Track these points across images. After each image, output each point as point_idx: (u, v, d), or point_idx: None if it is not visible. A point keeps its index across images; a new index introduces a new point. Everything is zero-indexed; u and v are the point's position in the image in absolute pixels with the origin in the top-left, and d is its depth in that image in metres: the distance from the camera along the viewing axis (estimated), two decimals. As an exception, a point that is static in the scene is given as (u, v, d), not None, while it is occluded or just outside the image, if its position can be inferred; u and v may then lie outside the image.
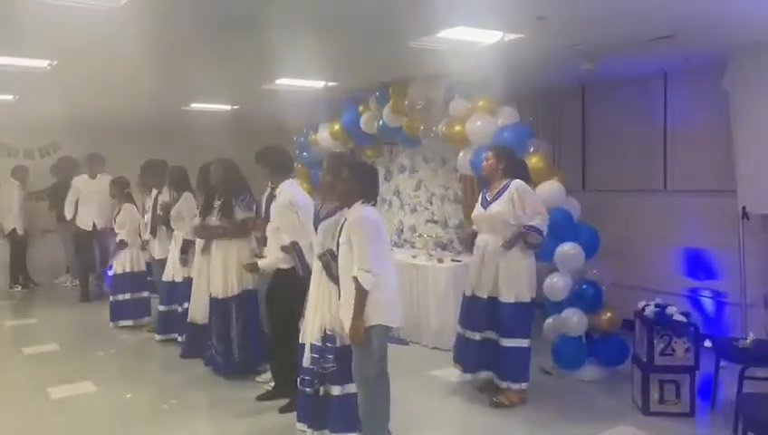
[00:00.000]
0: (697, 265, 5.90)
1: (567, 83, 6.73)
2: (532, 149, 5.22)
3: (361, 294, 3.36)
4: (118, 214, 7.00)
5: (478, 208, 4.61)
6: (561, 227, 4.96)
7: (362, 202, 3.49)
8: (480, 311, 4.53)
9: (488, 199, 4.52)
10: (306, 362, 3.76)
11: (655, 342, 4.12)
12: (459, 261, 5.85)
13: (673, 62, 5.73)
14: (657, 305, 4.25)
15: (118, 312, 6.95)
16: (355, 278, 3.36)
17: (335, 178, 3.76)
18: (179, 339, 6.12)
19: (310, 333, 3.79)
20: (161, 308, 6.24)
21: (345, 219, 3.53)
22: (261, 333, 5.04)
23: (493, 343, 4.52)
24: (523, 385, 4.49)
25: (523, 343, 4.44)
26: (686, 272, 5.97)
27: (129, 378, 5.35)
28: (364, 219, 3.42)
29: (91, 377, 5.25)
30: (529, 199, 4.39)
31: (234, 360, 5.14)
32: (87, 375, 5.30)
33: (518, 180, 4.44)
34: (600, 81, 6.56)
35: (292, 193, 4.38)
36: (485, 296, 4.49)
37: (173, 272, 6.15)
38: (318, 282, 3.80)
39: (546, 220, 4.40)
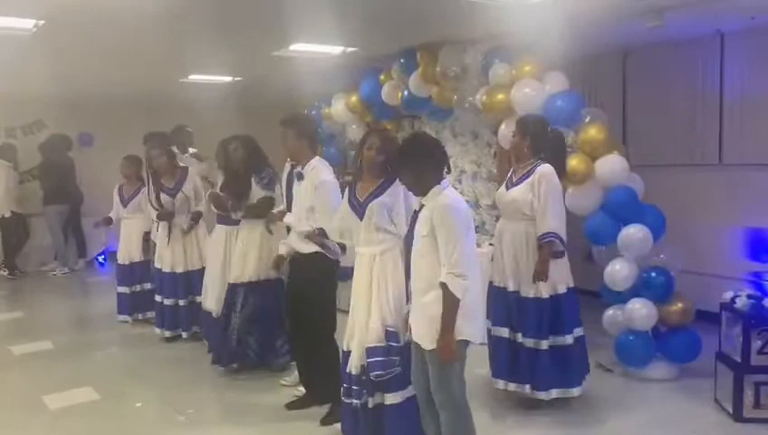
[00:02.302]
0: (760, 246, 5.37)
1: (608, 48, 6.12)
2: (588, 119, 4.62)
3: (453, 304, 2.73)
4: (133, 196, 6.21)
5: (501, 189, 4.05)
6: (625, 207, 4.40)
7: (441, 185, 2.86)
8: (504, 304, 3.95)
9: (513, 181, 3.96)
10: (355, 369, 3.20)
11: (752, 338, 3.58)
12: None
13: (732, 20, 5.15)
14: (749, 296, 3.71)
15: (130, 304, 6.22)
16: (443, 284, 2.72)
17: (384, 158, 3.22)
18: (184, 335, 5.58)
19: (361, 335, 3.21)
20: (167, 302, 5.61)
21: (422, 205, 2.89)
22: (279, 329, 4.53)
23: (523, 346, 3.88)
24: (575, 391, 3.91)
25: (567, 340, 3.86)
26: (747, 254, 5.44)
27: (136, 382, 4.74)
28: (453, 209, 2.79)
29: (92, 382, 4.63)
30: (545, 194, 3.72)
31: (229, 349, 4.62)
32: (87, 380, 4.68)
33: (547, 165, 3.81)
34: (645, 44, 5.97)
35: (329, 171, 3.81)
36: (511, 289, 3.91)
37: (172, 262, 5.55)
38: (368, 273, 3.21)
39: (562, 225, 3.78)
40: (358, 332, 3.21)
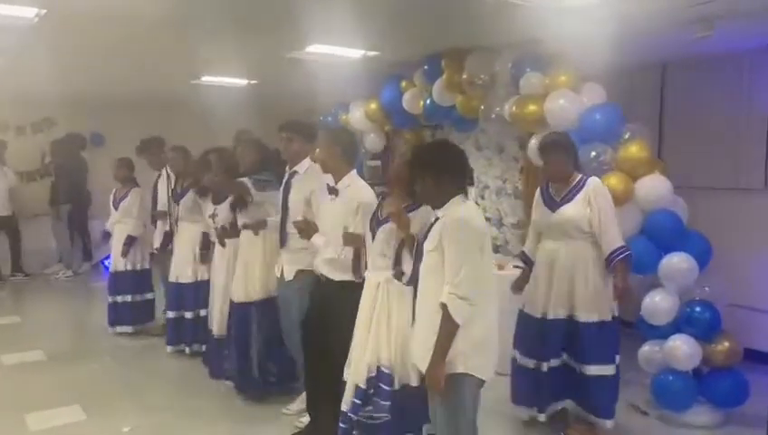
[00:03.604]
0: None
1: (645, 60, 5.73)
2: (627, 135, 4.24)
3: (449, 328, 2.42)
4: (122, 199, 5.94)
5: (542, 210, 3.74)
6: (668, 233, 4.00)
7: (461, 198, 2.54)
8: (557, 334, 3.69)
9: (555, 199, 3.66)
10: (346, 405, 2.90)
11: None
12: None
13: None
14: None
15: (118, 315, 5.91)
16: (443, 305, 2.41)
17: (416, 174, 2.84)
18: (187, 351, 5.23)
19: (355, 369, 2.87)
20: (170, 314, 5.26)
21: (436, 218, 2.57)
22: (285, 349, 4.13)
23: (572, 370, 3.69)
24: (608, 423, 3.66)
25: (608, 370, 3.63)
26: (794, 288, 5.00)
27: (128, 402, 4.39)
28: (465, 223, 2.47)
29: (81, 399, 4.31)
30: (605, 208, 3.54)
31: (252, 378, 4.23)
32: (76, 396, 4.36)
33: (596, 179, 3.64)
34: (684, 57, 5.56)
35: (370, 190, 3.41)
36: (563, 316, 3.65)
37: (178, 272, 5.21)
38: (372, 302, 2.88)
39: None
40: (354, 365, 2.89)
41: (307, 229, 3.49)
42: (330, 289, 3.41)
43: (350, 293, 3.20)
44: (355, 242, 3.19)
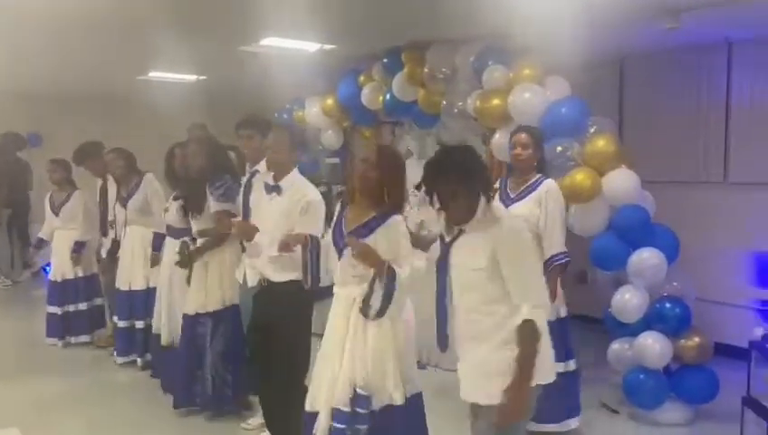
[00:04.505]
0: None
1: (604, 54, 5.68)
2: (593, 129, 4.15)
3: (535, 344, 2.16)
4: (63, 203, 5.54)
5: (496, 203, 3.58)
6: (636, 229, 3.93)
7: (489, 205, 2.29)
8: None
9: (510, 196, 3.57)
10: (322, 432, 2.65)
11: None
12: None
13: (742, 30, 4.77)
14: (786, 336, 3.26)
15: (64, 325, 5.52)
16: (526, 323, 2.14)
17: (378, 176, 2.69)
18: (139, 362, 4.92)
19: (328, 393, 2.66)
20: (121, 324, 4.94)
21: (459, 232, 2.29)
22: (244, 360, 3.87)
23: None
24: (573, 422, 3.60)
25: (565, 367, 3.50)
26: (755, 281, 5.02)
27: (72, 421, 4.08)
28: (523, 231, 2.30)
29: (20, 420, 3.94)
30: (554, 212, 3.48)
31: (205, 394, 3.97)
32: (14, 417, 3.99)
33: (552, 181, 3.58)
34: (643, 51, 5.55)
35: (314, 188, 3.33)
36: None
37: (129, 278, 4.88)
38: (344, 319, 2.67)
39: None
40: (326, 389, 2.66)
41: (247, 230, 3.33)
42: (275, 290, 3.25)
43: (297, 293, 3.05)
44: (298, 241, 2.99)
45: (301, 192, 3.23)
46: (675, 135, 5.54)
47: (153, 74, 6.67)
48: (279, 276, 3.23)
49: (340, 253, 2.73)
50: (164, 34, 4.84)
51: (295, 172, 3.33)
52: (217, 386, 3.95)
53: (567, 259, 3.48)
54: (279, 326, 3.20)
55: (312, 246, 2.98)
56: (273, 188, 3.26)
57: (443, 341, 2.37)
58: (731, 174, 5.24)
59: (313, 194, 3.26)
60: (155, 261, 4.74)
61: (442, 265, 2.35)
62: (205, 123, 5.17)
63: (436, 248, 2.44)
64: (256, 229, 3.33)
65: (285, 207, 3.20)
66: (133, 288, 4.88)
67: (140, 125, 7.71)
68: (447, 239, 2.34)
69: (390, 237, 2.66)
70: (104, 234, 5.35)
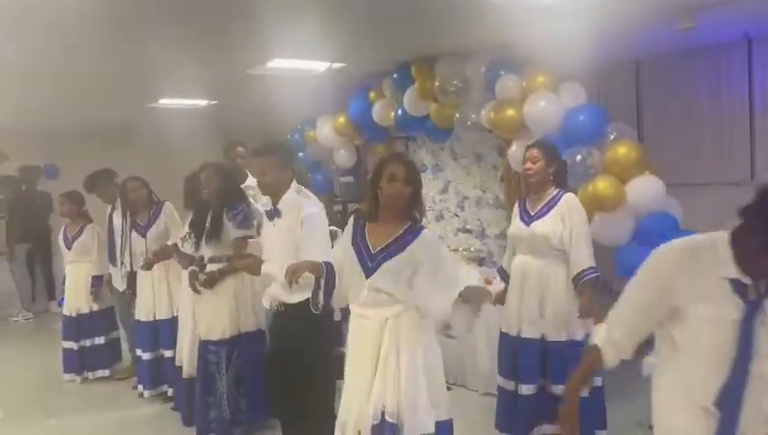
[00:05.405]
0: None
1: (619, 57, 5.55)
2: (612, 136, 4.02)
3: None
4: (77, 237, 5.47)
5: (517, 224, 3.59)
6: (664, 237, 3.75)
7: None
8: (531, 356, 3.53)
9: (530, 213, 3.50)
10: None
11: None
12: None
13: (762, 25, 4.61)
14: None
15: (81, 361, 5.44)
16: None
17: (412, 191, 2.58)
18: (170, 392, 4.77)
19: (357, 417, 2.53)
20: (146, 356, 4.82)
21: None
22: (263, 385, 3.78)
23: (548, 394, 3.53)
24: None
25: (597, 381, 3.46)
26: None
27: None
28: None
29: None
30: (579, 226, 3.40)
31: (222, 421, 3.88)
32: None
33: (572, 194, 3.53)
34: (658, 54, 5.41)
35: (311, 200, 3.23)
36: (536, 337, 3.50)
37: (155, 308, 4.78)
38: (375, 342, 2.54)
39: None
40: (356, 415, 2.53)
41: (251, 267, 3.18)
42: (290, 314, 3.14)
43: (313, 315, 2.88)
44: (312, 271, 2.77)
45: (297, 208, 3.13)
46: (697, 137, 5.38)
47: (163, 101, 6.66)
48: (294, 298, 3.07)
49: (368, 273, 2.60)
50: (173, 61, 4.83)
51: (291, 191, 3.23)
52: (232, 411, 3.87)
53: (597, 274, 3.38)
54: (295, 349, 3.11)
55: (327, 274, 2.82)
56: (274, 213, 3.19)
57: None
58: (758, 173, 5.07)
59: (309, 207, 3.16)
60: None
61: (746, 327, 1.72)
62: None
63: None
64: (260, 264, 3.18)
65: (286, 230, 3.12)
66: (158, 318, 4.78)
67: (153, 153, 7.70)
68: (753, 297, 1.71)
69: (431, 248, 2.56)
70: (113, 263, 5.26)
